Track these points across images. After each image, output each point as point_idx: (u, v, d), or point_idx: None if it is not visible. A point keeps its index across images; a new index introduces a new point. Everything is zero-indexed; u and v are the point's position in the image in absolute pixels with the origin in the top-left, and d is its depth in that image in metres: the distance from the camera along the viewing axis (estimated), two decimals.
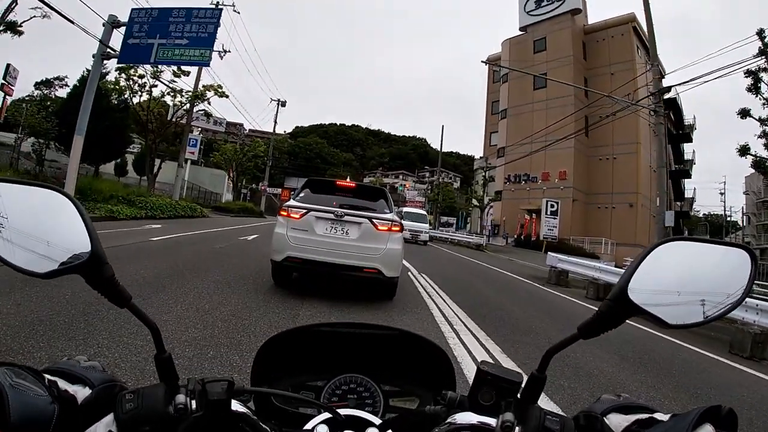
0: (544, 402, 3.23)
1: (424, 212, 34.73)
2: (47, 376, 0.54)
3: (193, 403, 0.59)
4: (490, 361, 0.62)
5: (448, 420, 0.65)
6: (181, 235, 13.07)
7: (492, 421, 0.61)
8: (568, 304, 10.35)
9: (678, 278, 0.58)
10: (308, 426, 0.69)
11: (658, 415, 0.57)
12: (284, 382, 0.92)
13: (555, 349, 0.63)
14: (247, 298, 5.89)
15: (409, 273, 10.57)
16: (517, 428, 0.58)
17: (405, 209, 29.38)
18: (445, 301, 7.58)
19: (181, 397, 0.58)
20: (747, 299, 7.39)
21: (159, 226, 15.53)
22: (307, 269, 6.33)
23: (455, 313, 6.67)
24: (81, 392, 0.57)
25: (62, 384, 0.56)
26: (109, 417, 0.56)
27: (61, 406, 0.52)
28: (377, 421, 0.74)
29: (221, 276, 7.21)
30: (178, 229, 15.15)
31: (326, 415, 0.72)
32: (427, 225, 29.25)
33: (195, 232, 14.86)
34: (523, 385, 0.64)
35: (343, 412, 0.73)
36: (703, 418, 0.50)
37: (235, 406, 0.62)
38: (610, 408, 0.61)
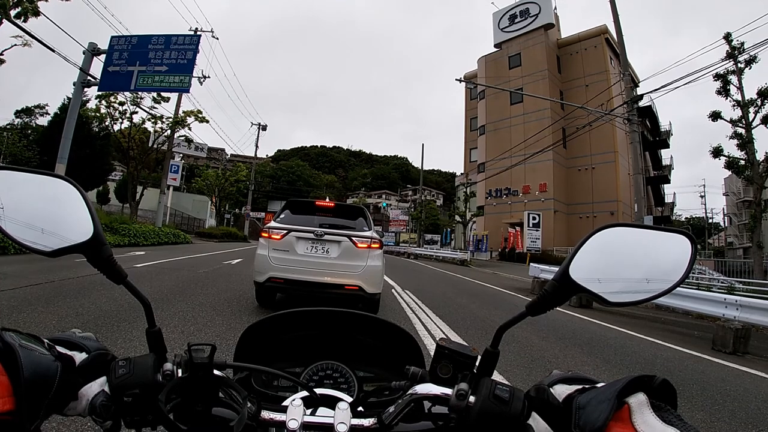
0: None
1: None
2: (46, 341, 0.61)
3: (179, 371, 0.65)
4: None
5: (410, 391, 0.69)
6: (166, 261, 12.96)
7: (449, 391, 0.65)
8: (550, 313, 10.32)
9: (618, 261, 0.63)
10: (286, 402, 0.74)
11: (599, 385, 0.60)
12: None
13: (506, 325, 0.70)
14: (231, 320, 5.88)
15: (393, 290, 10.59)
16: (471, 397, 0.63)
17: None
18: (428, 316, 7.60)
19: (168, 365, 0.65)
20: (728, 296, 7.55)
21: (143, 253, 15.41)
22: (290, 289, 6.33)
23: (438, 327, 6.73)
24: (78, 356, 0.64)
25: (61, 349, 0.62)
26: (103, 378, 0.63)
27: (63, 365, 0.58)
28: (349, 398, 0.79)
29: (206, 299, 7.18)
30: (162, 255, 15.03)
31: (304, 393, 0.78)
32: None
33: (179, 258, 14.72)
34: (478, 360, 0.70)
35: (318, 391, 0.79)
36: (636, 386, 0.53)
37: (217, 372, 0.67)
38: (556, 380, 0.66)
